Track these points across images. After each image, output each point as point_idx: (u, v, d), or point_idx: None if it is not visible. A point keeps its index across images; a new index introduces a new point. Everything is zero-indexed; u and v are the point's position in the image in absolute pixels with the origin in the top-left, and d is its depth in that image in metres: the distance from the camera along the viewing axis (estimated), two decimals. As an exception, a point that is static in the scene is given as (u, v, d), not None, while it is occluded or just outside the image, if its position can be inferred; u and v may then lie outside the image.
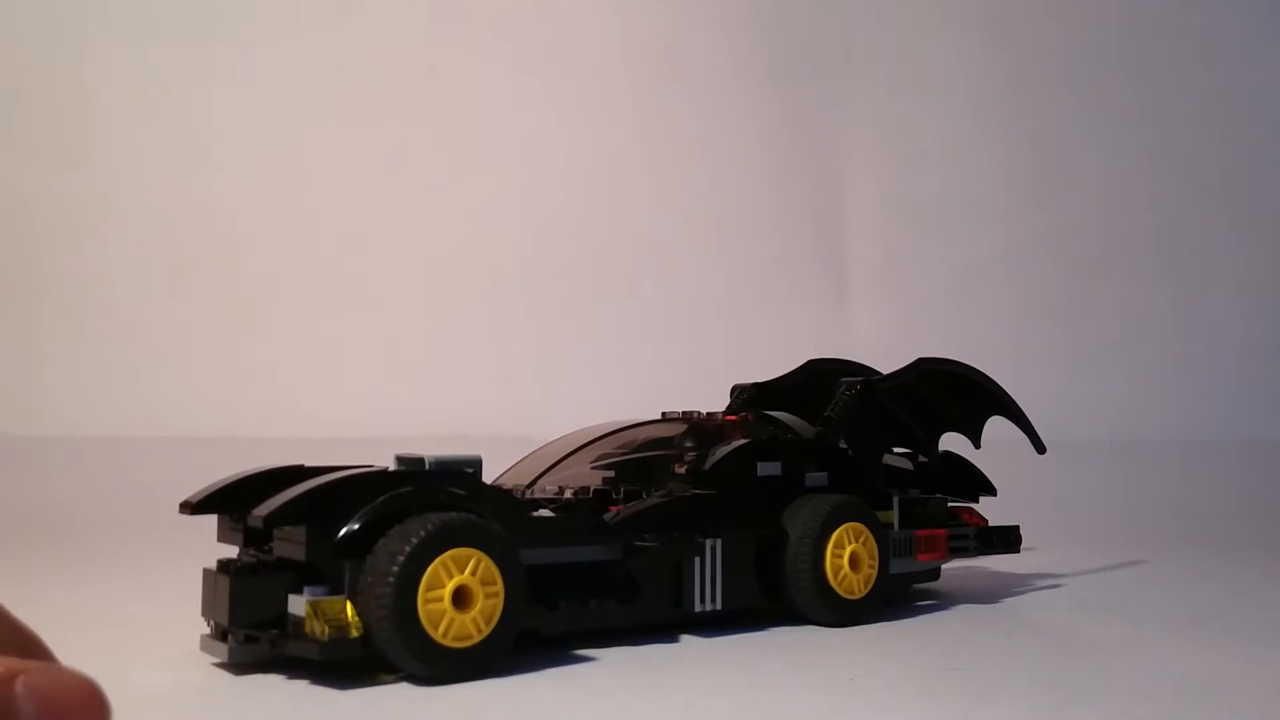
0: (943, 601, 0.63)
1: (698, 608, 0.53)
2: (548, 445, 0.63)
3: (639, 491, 0.55)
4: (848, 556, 0.56)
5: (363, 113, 1.38)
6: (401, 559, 0.43)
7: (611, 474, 0.59)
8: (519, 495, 0.55)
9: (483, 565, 0.45)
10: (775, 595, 0.55)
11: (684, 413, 0.63)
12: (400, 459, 0.49)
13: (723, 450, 0.56)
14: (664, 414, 0.64)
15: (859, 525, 0.57)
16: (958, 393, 0.65)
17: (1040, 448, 0.68)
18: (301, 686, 0.43)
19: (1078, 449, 1.22)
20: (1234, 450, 1.26)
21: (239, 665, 0.45)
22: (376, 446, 1.25)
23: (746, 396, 0.69)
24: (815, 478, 0.58)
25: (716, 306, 1.39)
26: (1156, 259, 1.44)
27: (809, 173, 1.44)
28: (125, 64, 1.34)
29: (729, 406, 0.69)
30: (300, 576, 0.45)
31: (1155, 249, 1.44)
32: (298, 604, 0.44)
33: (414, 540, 0.44)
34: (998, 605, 0.62)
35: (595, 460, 0.60)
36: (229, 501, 0.48)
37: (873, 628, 0.55)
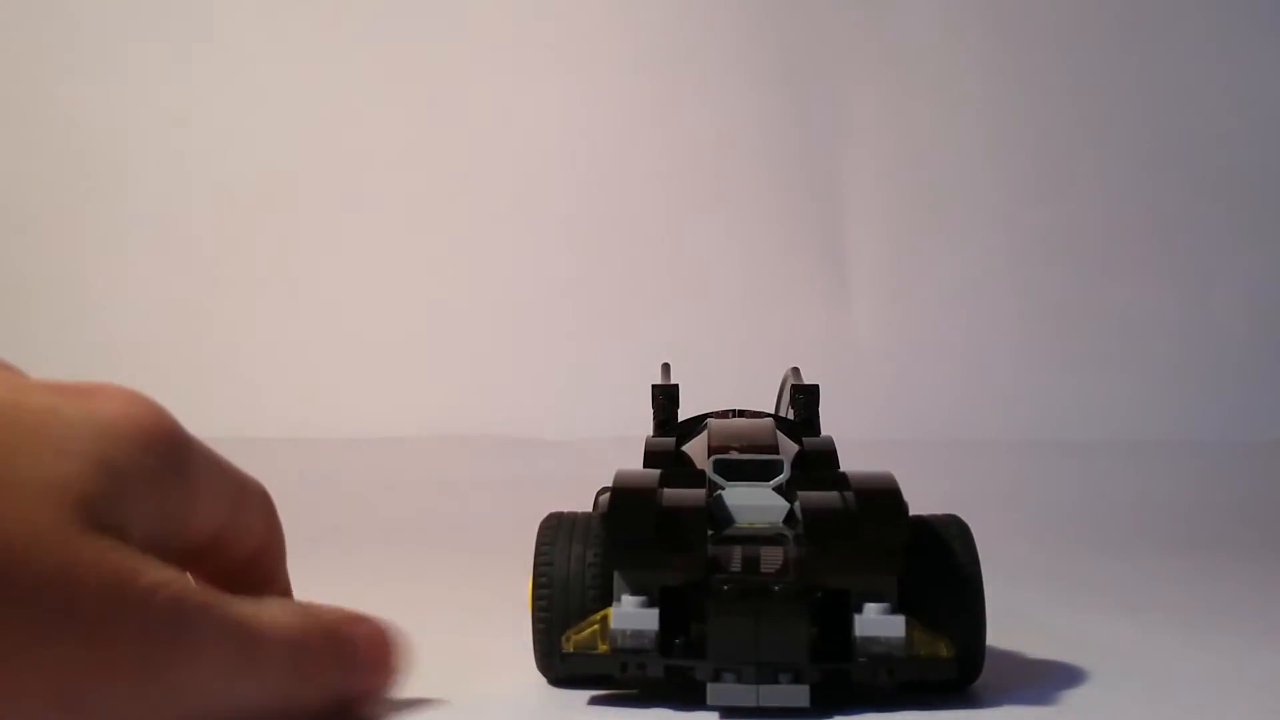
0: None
1: None
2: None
3: None
4: None
5: (364, 111, 1.37)
6: None
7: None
8: None
9: None
10: None
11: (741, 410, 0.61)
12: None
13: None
14: (738, 411, 0.62)
15: None
16: None
17: None
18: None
19: (1078, 449, 1.22)
20: (1234, 450, 1.26)
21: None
22: (376, 446, 1.26)
23: (670, 399, 0.65)
24: None
25: (715, 306, 1.38)
26: (1156, 259, 1.44)
27: (809, 172, 1.44)
28: (122, 54, 1.34)
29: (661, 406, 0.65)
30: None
31: (1155, 249, 1.44)
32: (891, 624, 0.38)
33: None
34: (998, 605, 0.62)
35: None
36: None
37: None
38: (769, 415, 0.61)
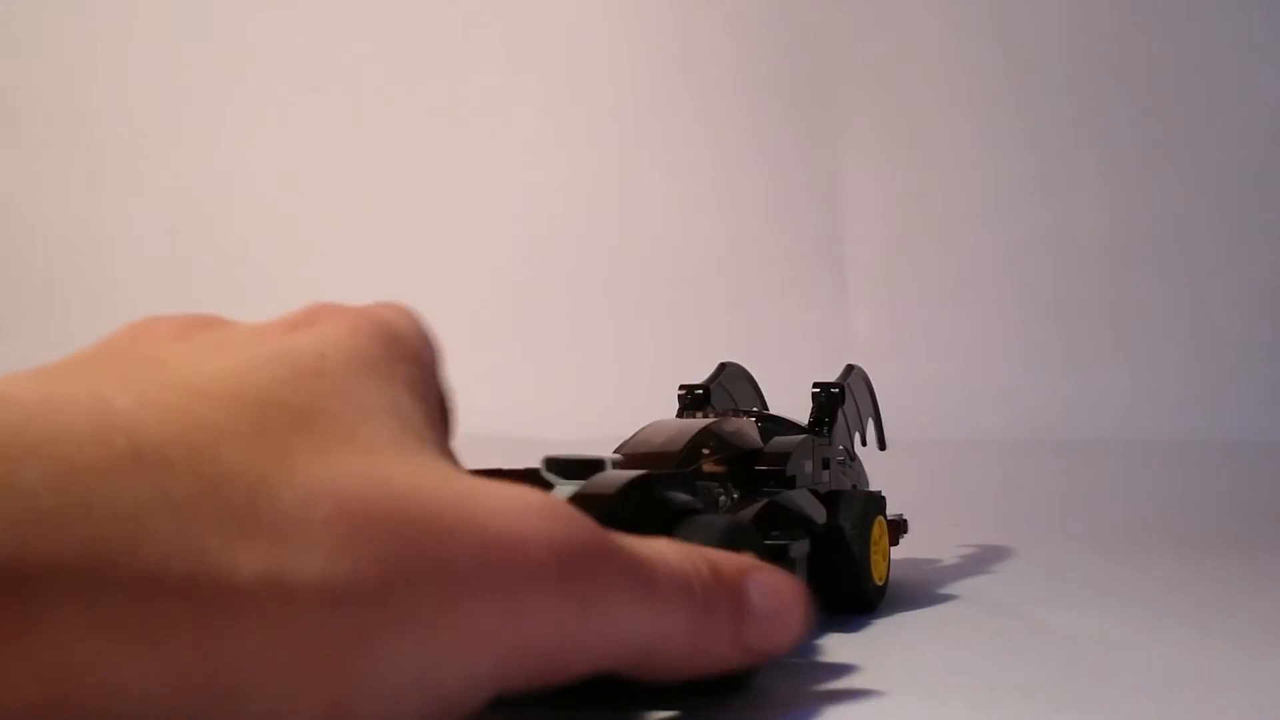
0: (942, 601, 0.63)
1: None
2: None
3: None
4: (883, 548, 0.58)
5: (370, 116, 1.38)
6: None
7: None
8: None
9: None
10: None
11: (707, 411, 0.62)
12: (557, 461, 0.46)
13: (793, 443, 0.55)
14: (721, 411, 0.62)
15: (881, 519, 0.58)
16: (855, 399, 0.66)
17: (882, 444, 0.69)
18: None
19: (1078, 449, 1.22)
20: (1234, 450, 1.26)
21: None
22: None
23: (693, 399, 0.64)
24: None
25: (716, 307, 1.39)
26: (1156, 259, 1.44)
27: (809, 173, 1.44)
28: (131, 65, 1.34)
29: (683, 405, 0.64)
30: None
31: (1155, 249, 1.44)
32: None
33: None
34: (998, 605, 0.62)
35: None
36: None
37: (871, 627, 0.55)
38: (753, 412, 0.62)
